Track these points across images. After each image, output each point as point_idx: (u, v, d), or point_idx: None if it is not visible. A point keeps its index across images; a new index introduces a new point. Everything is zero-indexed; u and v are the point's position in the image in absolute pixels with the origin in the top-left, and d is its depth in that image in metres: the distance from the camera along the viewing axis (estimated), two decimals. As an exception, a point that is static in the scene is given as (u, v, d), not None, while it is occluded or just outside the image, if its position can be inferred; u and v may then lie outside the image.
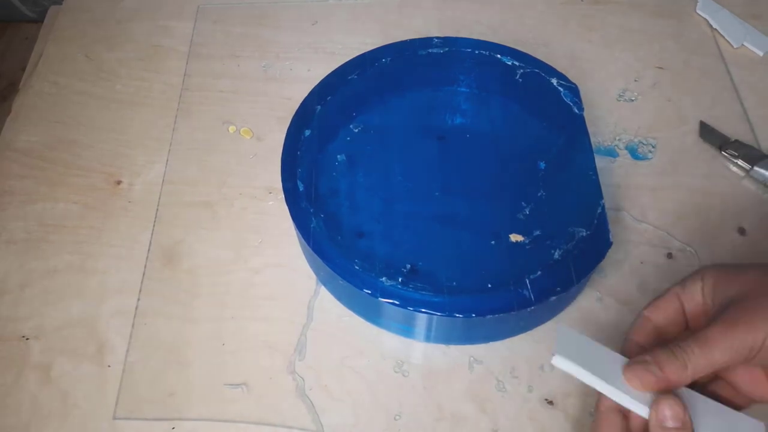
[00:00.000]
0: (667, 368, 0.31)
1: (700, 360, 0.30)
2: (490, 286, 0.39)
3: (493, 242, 0.41)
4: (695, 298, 0.34)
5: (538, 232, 0.42)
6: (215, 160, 0.52)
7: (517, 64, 0.49)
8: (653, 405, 0.30)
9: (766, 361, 0.30)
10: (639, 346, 0.34)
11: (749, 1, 0.59)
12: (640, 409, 0.30)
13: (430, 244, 0.41)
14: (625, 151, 0.51)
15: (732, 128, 0.51)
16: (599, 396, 0.32)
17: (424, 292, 0.39)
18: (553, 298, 0.38)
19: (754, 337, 0.30)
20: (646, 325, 0.35)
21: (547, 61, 0.49)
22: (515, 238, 0.42)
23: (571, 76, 0.48)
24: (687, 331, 0.35)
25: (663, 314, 0.35)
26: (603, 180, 0.44)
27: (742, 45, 0.56)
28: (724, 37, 0.57)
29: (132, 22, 0.61)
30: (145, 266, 0.47)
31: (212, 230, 0.48)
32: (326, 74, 0.48)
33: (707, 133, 0.51)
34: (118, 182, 0.51)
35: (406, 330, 0.42)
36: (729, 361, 0.30)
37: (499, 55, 0.49)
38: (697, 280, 0.34)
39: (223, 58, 0.58)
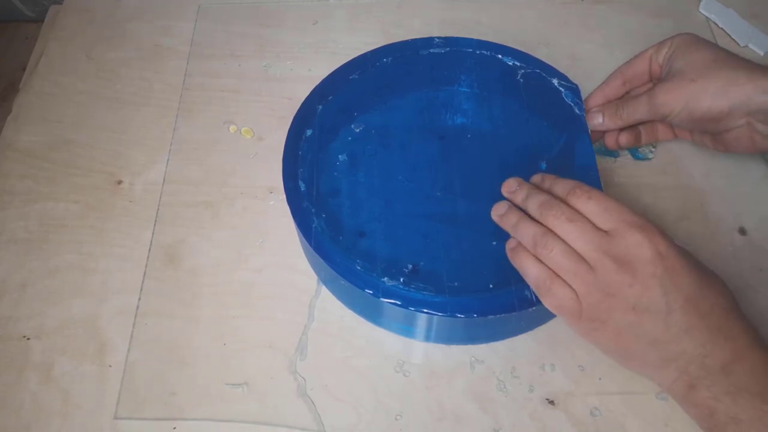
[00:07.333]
0: (607, 115, 0.45)
1: (629, 115, 0.44)
2: (491, 286, 0.39)
3: (494, 242, 0.41)
4: (660, 60, 0.45)
5: (539, 232, 0.42)
6: (216, 160, 0.52)
7: (518, 64, 0.49)
8: None
9: (675, 122, 0.44)
10: (605, 97, 0.47)
11: (749, 0, 0.59)
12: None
13: (431, 244, 0.41)
14: (626, 152, 0.51)
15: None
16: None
17: (425, 293, 0.39)
18: (555, 298, 0.38)
19: (671, 108, 0.42)
20: (616, 79, 0.47)
21: (548, 61, 0.49)
22: (516, 238, 0.42)
23: (572, 76, 0.48)
24: (648, 85, 0.46)
25: (632, 70, 0.46)
26: (604, 180, 0.45)
27: (746, 45, 0.56)
28: (730, 36, 0.57)
29: (132, 21, 0.61)
30: (146, 266, 0.47)
31: (213, 230, 0.48)
32: (327, 74, 0.48)
33: None
34: (119, 182, 0.51)
35: (408, 330, 0.42)
36: (649, 118, 0.44)
37: (500, 56, 0.49)
38: (666, 44, 0.44)
39: (224, 57, 0.58)
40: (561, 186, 0.37)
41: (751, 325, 0.35)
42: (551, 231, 0.36)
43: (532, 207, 0.37)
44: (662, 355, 0.34)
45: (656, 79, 0.46)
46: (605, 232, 0.35)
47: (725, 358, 0.33)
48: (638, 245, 0.34)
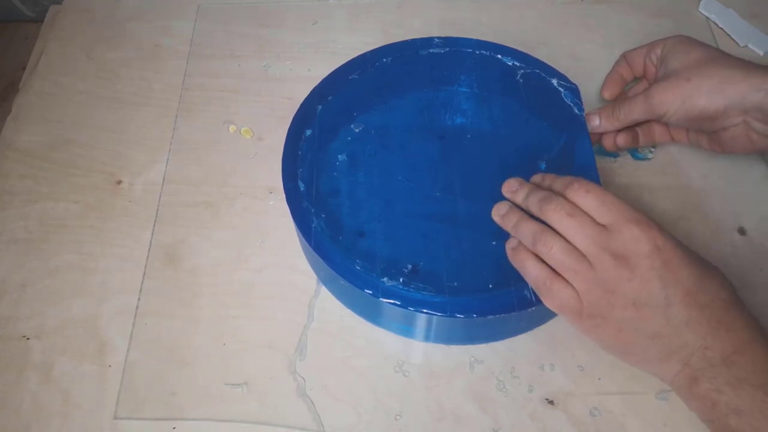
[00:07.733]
0: (604, 117, 0.47)
1: (626, 116, 0.45)
2: (491, 286, 0.39)
3: (494, 242, 0.41)
4: (653, 60, 0.46)
5: (538, 232, 0.42)
6: (216, 160, 0.52)
7: (517, 64, 0.49)
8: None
9: (671, 122, 0.44)
10: (620, 79, 0.49)
11: (749, 0, 0.59)
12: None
13: (431, 244, 0.41)
14: (626, 152, 0.50)
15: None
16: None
17: (425, 293, 0.39)
18: (554, 298, 0.38)
19: (667, 107, 0.43)
20: (615, 77, 0.49)
21: (547, 61, 0.49)
22: (516, 238, 0.42)
23: (572, 76, 0.48)
24: (644, 85, 0.49)
25: (632, 55, 0.48)
26: (604, 180, 0.45)
27: (746, 45, 0.56)
28: (729, 36, 0.57)
29: (132, 21, 0.61)
30: (146, 266, 0.47)
31: (213, 230, 0.48)
32: (327, 74, 0.48)
33: None
34: (119, 182, 0.51)
35: (407, 330, 0.42)
36: (646, 118, 0.45)
37: (499, 56, 0.49)
38: (660, 45, 0.46)
39: (224, 57, 0.58)
40: (560, 182, 0.38)
41: (753, 317, 0.35)
42: (551, 228, 0.36)
43: (533, 204, 0.38)
44: (663, 348, 0.34)
45: (652, 80, 0.46)
46: (604, 226, 0.35)
47: (726, 350, 0.33)
48: (636, 240, 0.34)
